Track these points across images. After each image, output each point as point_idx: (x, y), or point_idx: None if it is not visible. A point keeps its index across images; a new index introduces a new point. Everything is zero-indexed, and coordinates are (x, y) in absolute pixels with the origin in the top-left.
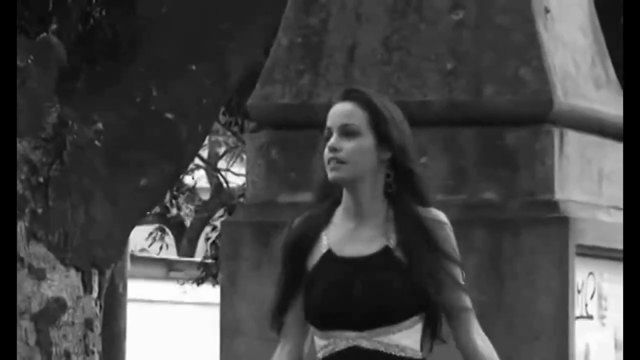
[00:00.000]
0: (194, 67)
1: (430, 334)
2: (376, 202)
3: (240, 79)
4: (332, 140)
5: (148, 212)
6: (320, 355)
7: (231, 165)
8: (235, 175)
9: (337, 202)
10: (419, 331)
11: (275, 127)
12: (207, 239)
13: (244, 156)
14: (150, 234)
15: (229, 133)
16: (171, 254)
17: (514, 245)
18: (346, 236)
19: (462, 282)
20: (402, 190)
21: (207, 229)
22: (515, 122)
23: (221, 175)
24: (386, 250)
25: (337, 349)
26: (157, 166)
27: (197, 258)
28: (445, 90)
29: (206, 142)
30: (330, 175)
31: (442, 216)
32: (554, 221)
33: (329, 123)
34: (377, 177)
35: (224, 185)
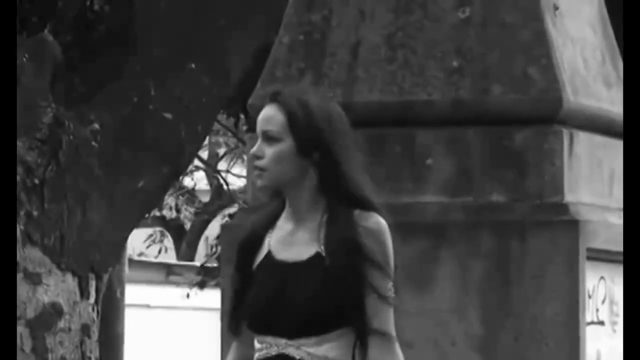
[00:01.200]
0: (193, 66)
1: (363, 348)
2: (312, 207)
3: (241, 77)
4: (254, 148)
5: (146, 215)
6: (256, 357)
7: (232, 167)
8: (236, 177)
9: (284, 205)
10: (350, 344)
11: None
12: (212, 243)
13: (245, 157)
14: (149, 236)
15: (229, 133)
16: (170, 257)
17: (521, 249)
18: (284, 239)
19: (387, 296)
20: (335, 194)
21: (207, 231)
22: (522, 122)
23: (221, 176)
24: (317, 257)
25: (269, 355)
26: (155, 167)
27: (197, 262)
28: (450, 89)
29: (206, 142)
30: (255, 183)
31: (379, 223)
32: (563, 224)
33: (257, 128)
34: (306, 181)
35: (224, 187)
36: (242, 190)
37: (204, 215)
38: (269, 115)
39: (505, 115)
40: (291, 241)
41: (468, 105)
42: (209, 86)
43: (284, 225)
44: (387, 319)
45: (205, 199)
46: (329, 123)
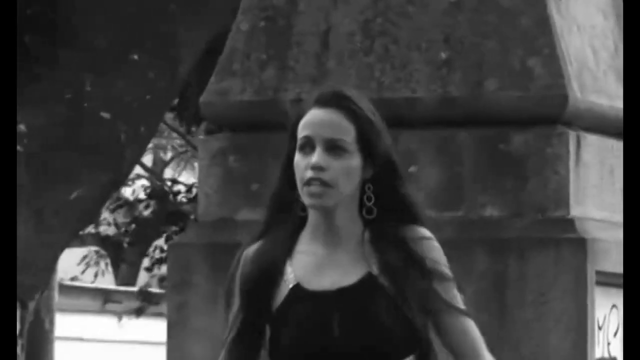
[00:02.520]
0: (135, 57)
1: None
2: (351, 225)
3: (191, 71)
4: (316, 157)
5: (80, 232)
6: None
7: (179, 175)
8: (185, 187)
9: (302, 224)
10: None
11: (233, 129)
12: (149, 267)
13: (196, 164)
14: (83, 257)
15: (177, 135)
16: (108, 282)
17: (520, 271)
18: (317, 265)
19: (463, 307)
20: (383, 210)
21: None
22: (522, 123)
23: (167, 186)
24: (369, 277)
25: None
26: (91, 176)
27: (138, 287)
28: (438, 84)
29: (150, 146)
30: (310, 200)
31: (425, 232)
32: (568, 242)
33: (308, 132)
34: (355, 197)
35: (171, 198)
36: (192, 202)
37: (147, 232)
38: (336, 122)
39: (502, 115)
40: (328, 265)
41: (458, 103)
42: (154, 81)
43: (309, 248)
44: (475, 335)
45: (148, 212)
46: (387, 131)
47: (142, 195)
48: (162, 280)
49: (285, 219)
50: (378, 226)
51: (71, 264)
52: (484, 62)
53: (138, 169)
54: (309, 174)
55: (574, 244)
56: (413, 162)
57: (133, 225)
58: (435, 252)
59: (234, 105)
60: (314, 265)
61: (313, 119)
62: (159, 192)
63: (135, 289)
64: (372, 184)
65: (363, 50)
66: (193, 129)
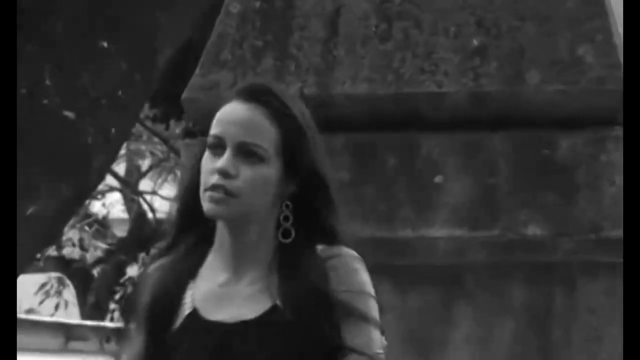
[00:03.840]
0: (105, 44)
1: None
2: (264, 247)
3: (172, 61)
4: (224, 161)
5: (38, 255)
6: None
7: (159, 186)
8: (165, 201)
9: (209, 241)
10: None
11: None
12: (119, 299)
13: (178, 172)
14: (42, 286)
15: (155, 139)
16: (72, 315)
17: (569, 302)
18: (217, 292)
19: (376, 353)
20: (306, 229)
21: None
22: (570, 124)
23: (144, 200)
24: (273, 311)
25: None
26: (51, 187)
27: (109, 322)
28: (468, 77)
29: (123, 151)
30: (209, 207)
31: (350, 256)
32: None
33: (219, 130)
34: (271, 214)
35: (149, 214)
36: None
37: (120, 256)
38: (255, 123)
39: (545, 114)
40: (229, 293)
41: (493, 100)
42: (127, 73)
43: (213, 273)
44: None
45: (122, 232)
46: (316, 136)
47: (118, 214)
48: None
49: (195, 232)
50: (292, 249)
51: (27, 293)
52: (523, 51)
53: (109, 180)
54: (214, 179)
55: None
56: (437, 172)
57: (102, 249)
58: (349, 283)
59: (222, 103)
60: (214, 292)
61: (228, 116)
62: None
63: (105, 324)
64: (293, 201)
65: (379, 35)
66: (171, 129)
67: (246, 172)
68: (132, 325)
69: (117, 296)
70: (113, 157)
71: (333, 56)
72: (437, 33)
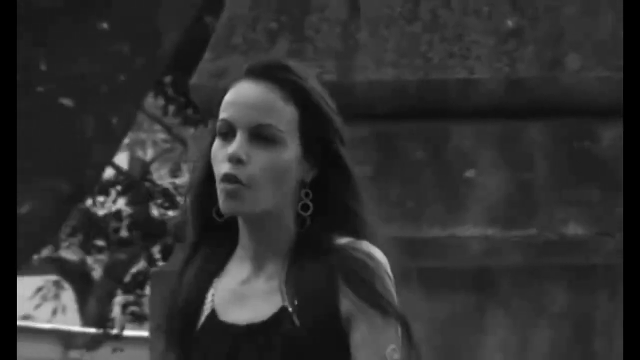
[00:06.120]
0: (105, 26)
1: None
2: (282, 238)
3: (178, 45)
4: (234, 146)
5: (34, 256)
6: None
7: (164, 179)
8: (173, 194)
9: (236, 235)
10: None
11: None
12: (125, 303)
13: (186, 166)
14: (38, 290)
15: (160, 128)
16: (71, 321)
17: (613, 307)
18: (236, 290)
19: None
20: (320, 221)
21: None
22: (612, 113)
23: (149, 195)
24: (282, 314)
25: None
26: (47, 183)
27: (112, 329)
28: (503, 62)
29: (126, 141)
30: (224, 204)
31: (371, 255)
32: None
33: (228, 113)
34: (290, 203)
35: (154, 210)
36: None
37: (122, 255)
38: (267, 102)
39: (586, 102)
40: (247, 293)
41: (529, 87)
42: (129, 58)
43: (237, 270)
44: None
45: (124, 229)
46: (341, 121)
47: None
48: (138, 318)
49: (218, 227)
50: (309, 242)
51: (22, 297)
52: (562, 33)
53: (109, 172)
54: (225, 167)
55: None
56: (469, 165)
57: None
58: (377, 277)
59: (231, 84)
60: (234, 290)
61: (237, 97)
62: (139, 195)
63: (107, 331)
64: (312, 188)
65: (404, 16)
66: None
67: (260, 157)
68: (162, 329)
69: (120, 300)
70: (115, 149)
71: (354, 39)
72: (468, 13)
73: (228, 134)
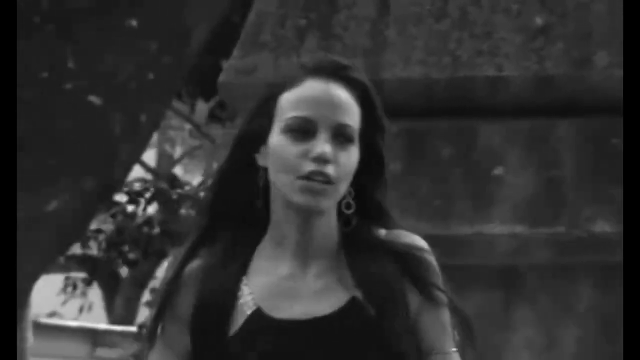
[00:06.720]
0: (133, 23)
1: None
2: (329, 235)
3: (206, 41)
4: (322, 146)
5: (61, 254)
6: None
7: (192, 175)
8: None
9: (259, 230)
10: None
11: None
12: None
13: (215, 163)
14: (65, 286)
15: (189, 126)
16: (98, 319)
17: None
18: (281, 286)
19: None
20: (360, 216)
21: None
22: None
23: (177, 192)
24: (352, 304)
25: None
26: (74, 180)
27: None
28: (531, 60)
29: (154, 138)
30: (305, 199)
31: (419, 239)
32: None
33: (310, 112)
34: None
35: (182, 209)
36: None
37: (151, 255)
38: (347, 102)
39: (616, 100)
40: (295, 289)
41: (558, 85)
42: (157, 55)
43: (271, 265)
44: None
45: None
46: (386, 120)
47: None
48: None
49: (236, 221)
50: (356, 238)
51: (49, 295)
52: (592, 31)
53: (138, 170)
54: (310, 166)
55: None
56: (497, 163)
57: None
58: (432, 267)
59: (262, 87)
60: (279, 286)
61: (316, 95)
62: (164, 195)
63: (133, 328)
64: (353, 185)
65: (433, 14)
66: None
67: (342, 156)
68: (168, 326)
69: (147, 298)
70: (143, 147)
71: (383, 36)
72: (497, 11)
73: (304, 131)
